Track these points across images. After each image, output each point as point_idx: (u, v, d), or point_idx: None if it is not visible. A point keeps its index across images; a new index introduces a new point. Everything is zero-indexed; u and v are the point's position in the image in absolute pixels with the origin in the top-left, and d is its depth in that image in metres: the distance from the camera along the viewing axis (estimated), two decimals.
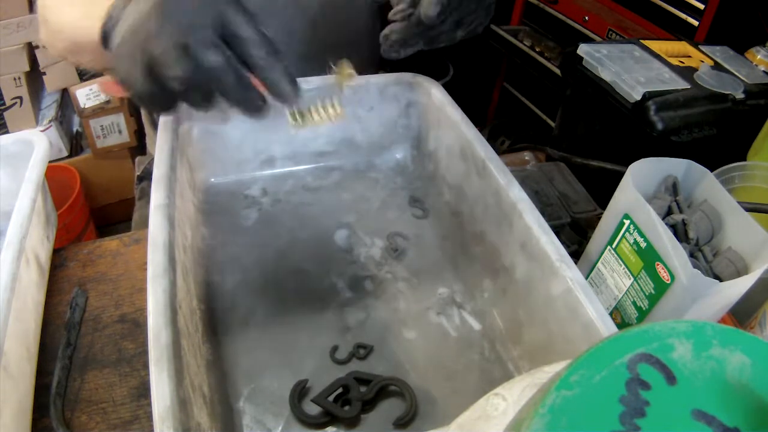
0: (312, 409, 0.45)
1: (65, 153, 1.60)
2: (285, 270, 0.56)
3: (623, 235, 0.48)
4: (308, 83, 0.41)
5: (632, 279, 0.48)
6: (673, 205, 0.50)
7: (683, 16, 1.25)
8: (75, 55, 0.57)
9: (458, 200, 0.59)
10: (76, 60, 0.59)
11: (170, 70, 0.36)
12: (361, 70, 0.63)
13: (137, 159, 0.88)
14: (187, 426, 0.33)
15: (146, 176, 0.84)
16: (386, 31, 0.44)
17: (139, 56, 0.37)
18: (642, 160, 0.49)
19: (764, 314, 0.49)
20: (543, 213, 0.48)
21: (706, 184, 0.50)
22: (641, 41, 0.74)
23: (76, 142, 1.66)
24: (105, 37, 0.45)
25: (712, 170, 0.51)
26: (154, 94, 0.38)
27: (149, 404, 0.33)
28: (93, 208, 1.66)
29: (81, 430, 0.45)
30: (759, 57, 0.76)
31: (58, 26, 0.57)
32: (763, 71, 0.75)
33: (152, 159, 0.68)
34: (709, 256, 0.47)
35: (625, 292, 0.49)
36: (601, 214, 0.53)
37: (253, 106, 0.39)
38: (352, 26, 0.74)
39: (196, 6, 0.36)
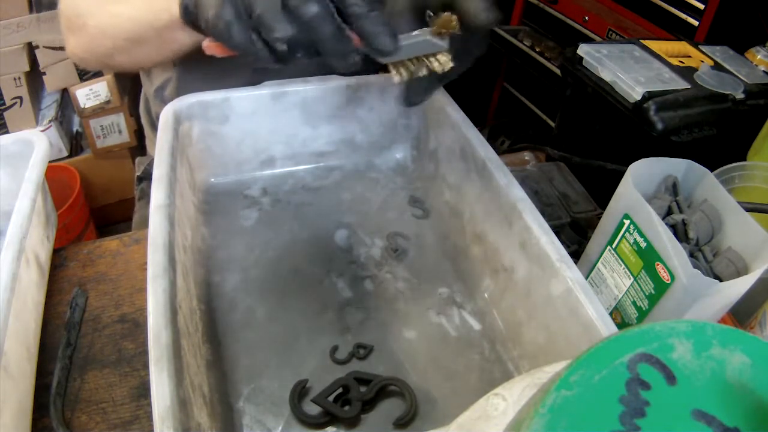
0: (312, 409, 0.45)
1: (65, 153, 1.60)
2: (285, 270, 0.56)
3: (623, 235, 0.48)
4: (408, 37, 0.41)
5: (632, 279, 0.48)
6: (673, 205, 0.50)
7: (683, 16, 1.25)
8: (126, 51, 0.57)
9: (458, 200, 0.59)
10: (126, 57, 0.58)
11: (274, 31, 0.37)
12: (361, 70, 0.64)
13: (137, 160, 0.88)
14: (187, 426, 0.33)
15: (146, 177, 0.84)
16: (406, 87, 0.45)
17: (241, 19, 0.38)
18: (642, 160, 0.49)
19: (764, 314, 0.49)
20: (543, 213, 0.48)
21: (706, 184, 0.50)
22: (641, 41, 0.74)
23: (76, 142, 1.66)
24: (188, 12, 0.45)
25: (712, 170, 0.51)
26: (261, 54, 0.39)
27: (149, 404, 0.33)
28: (93, 208, 1.66)
29: (81, 430, 0.45)
30: (759, 57, 0.76)
31: (101, 28, 0.57)
32: (763, 71, 0.75)
33: (152, 160, 0.68)
34: (709, 256, 0.47)
35: (625, 292, 0.49)
36: (601, 214, 0.53)
37: (346, 61, 0.39)
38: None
39: None
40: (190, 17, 0.45)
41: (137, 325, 0.53)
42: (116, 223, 1.72)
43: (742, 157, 0.65)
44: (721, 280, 0.42)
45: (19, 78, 1.46)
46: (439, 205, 0.63)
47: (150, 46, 0.55)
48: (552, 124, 1.67)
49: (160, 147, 0.51)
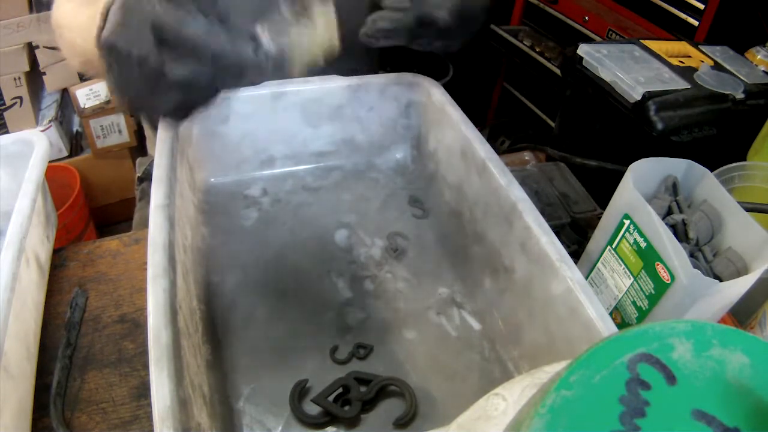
0: (312, 409, 0.45)
1: (65, 153, 1.60)
2: (285, 270, 0.56)
3: (623, 235, 0.48)
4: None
5: (632, 279, 0.48)
6: (673, 205, 0.50)
7: (683, 16, 1.25)
8: (91, 70, 0.58)
9: (458, 200, 0.59)
10: (95, 74, 0.59)
11: (171, 73, 0.36)
12: (360, 70, 0.64)
13: (138, 160, 0.88)
14: (187, 426, 0.33)
15: (147, 177, 0.84)
16: (374, 16, 0.43)
17: (146, 90, 0.37)
18: (642, 160, 0.49)
19: (764, 314, 0.49)
20: (543, 213, 0.48)
21: (706, 184, 0.50)
22: (641, 41, 0.74)
23: (76, 142, 1.66)
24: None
25: (712, 170, 0.51)
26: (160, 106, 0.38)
27: (149, 404, 0.33)
28: (93, 208, 1.66)
29: (81, 430, 0.45)
30: (759, 57, 0.76)
31: (71, 44, 0.57)
32: (763, 71, 0.75)
33: (153, 160, 0.68)
34: (709, 256, 0.47)
35: (625, 292, 0.49)
36: (601, 214, 0.53)
37: (260, 64, 0.38)
38: (351, 25, 0.73)
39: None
40: None
41: (137, 325, 0.53)
42: (116, 223, 1.72)
43: (742, 157, 0.65)
44: (721, 280, 0.42)
45: (19, 78, 1.46)
46: (439, 205, 0.63)
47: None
48: (552, 124, 1.67)
49: (160, 147, 0.51)
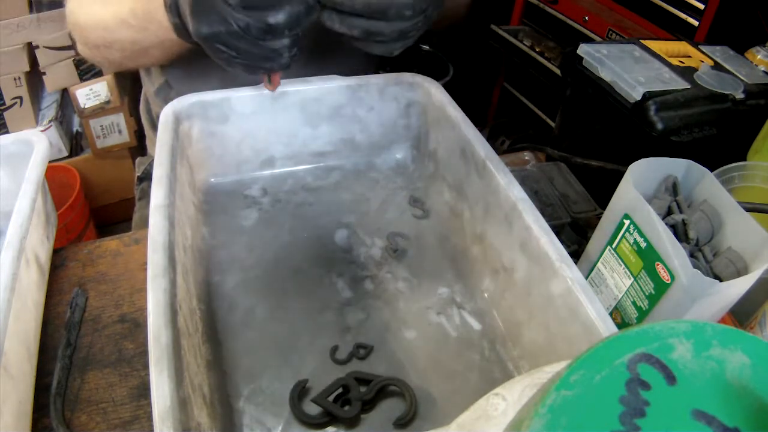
0: (312, 409, 0.45)
1: (65, 153, 1.60)
2: (285, 270, 0.56)
3: (623, 235, 0.48)
4: None
5: (632, 279, 0.48)
6: (673, 205, 0.50)
7: (683, 16, 1.25)
8: (106, 49, 0.63)
9: (458, 200, 0.59)
10: (105, 53, 0.64)
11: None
12: (361, 70, 0.64)
13: (137, 160, 0.88)
14: (187, 426, 0.33)
15: (146, 177, 0.84)
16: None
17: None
18: (642, 160, 0.49)
19: (764, 314, 0.49)
20: (543, 213, 0.48)
21: (706, 184, 0.50)
22: (641, 41, 0.74)
23: (76, 142, 1.66)
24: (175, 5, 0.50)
25: (712, 170, 0.51)
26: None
27: (149, 404, 0.33)
28: (93, 208, 1.66)
29: (81, 430, 0.45)
30: (759, 57, 0.76)
31: (88, 24, 0.62)
32: (763, 71, 0.75)
33: (152, 160, 0.68)
34: (709, 256, 0.47)
35: (625, 292, 0.49)
36: (601, 214, 0.53)
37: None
38: None
39: None
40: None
41: (137, 325, 0.53)
42: (116, 223, 1.72)
43: (742, 157, 0.65)
44: (721, 280, 0.42)
45: (19, 78, 1.46)
46: (439, 205, 0.63)
47: (120, 47, 0.61)
48: (552, 124, 1.67)
49: (160, 147, 0.51)
